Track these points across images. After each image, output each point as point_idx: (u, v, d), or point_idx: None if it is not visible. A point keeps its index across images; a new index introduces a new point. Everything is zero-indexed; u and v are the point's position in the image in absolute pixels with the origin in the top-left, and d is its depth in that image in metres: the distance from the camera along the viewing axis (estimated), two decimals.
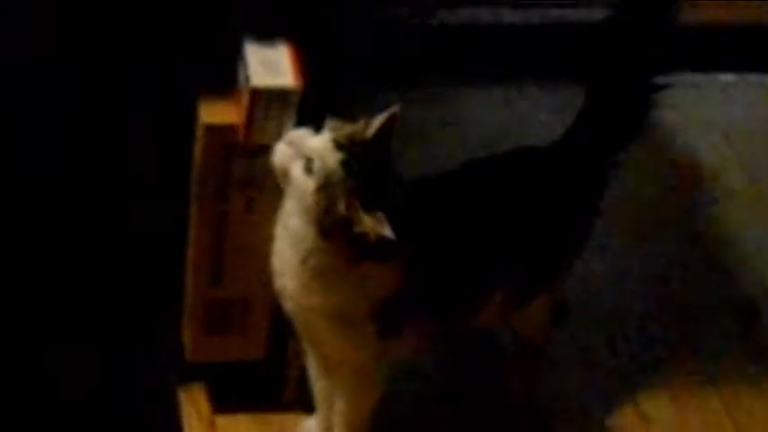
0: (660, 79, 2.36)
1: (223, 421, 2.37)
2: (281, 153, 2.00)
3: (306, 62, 2.07)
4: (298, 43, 2.09)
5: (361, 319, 2.09)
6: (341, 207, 1.94)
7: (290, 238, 2.04)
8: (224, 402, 2.39)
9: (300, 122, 2.07)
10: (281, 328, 2.29)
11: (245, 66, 2.06)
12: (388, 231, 1.93)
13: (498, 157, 2.34)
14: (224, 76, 2.10)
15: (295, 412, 2.38)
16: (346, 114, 2.28)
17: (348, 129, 2.01)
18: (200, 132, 2.11)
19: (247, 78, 2.04)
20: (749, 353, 2.62)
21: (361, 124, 2.02)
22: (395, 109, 2.04)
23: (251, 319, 2.28)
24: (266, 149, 2.09)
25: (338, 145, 1.98)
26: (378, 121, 2.02)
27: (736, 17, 3.15)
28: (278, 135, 2.08)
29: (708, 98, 3.11)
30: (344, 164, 1.96)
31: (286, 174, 2.00)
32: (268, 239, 2.15)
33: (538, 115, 3.01)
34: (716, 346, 2.62)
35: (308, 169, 1.97)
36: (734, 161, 2.98)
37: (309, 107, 2.08)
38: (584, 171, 2.36)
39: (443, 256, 2.13)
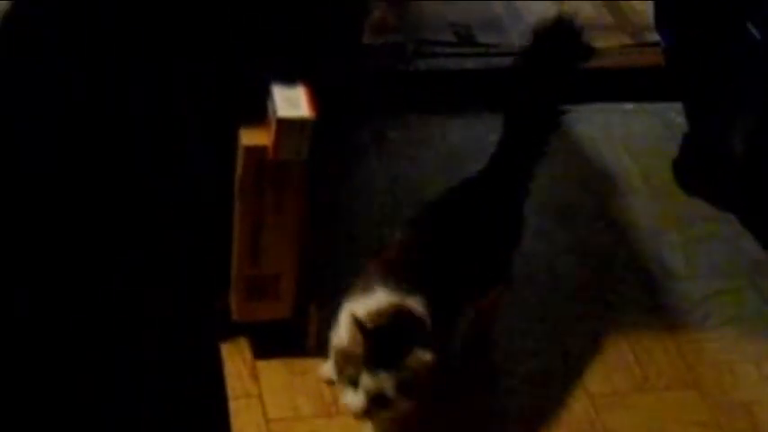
0: (561, 108, 2.33)
1: (261, 365, 2.34)
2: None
3: (317, 99, 2.06)
4: (312, 85, 2.08)
5: None
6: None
7: None
8: (262, 351, 2.36)
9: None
10: (305, 294, 2.29)
11: (273, 102, 2.05)
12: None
13: (451, 195, 2.28)
14: (257, 111, 2.08)
15: (316, 357, 2.35)
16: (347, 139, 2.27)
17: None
18: (240, 152, 2.10)
19: (275, 111, 2.04)
20: (647, 307, 2.59)
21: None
22: None
23: (281, 288, 2.26)
24: (290, 163, 2.09)
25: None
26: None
27: (634, 62, 3.15)
28: (298, 152, 2.08)
29: (614, 121, 3.09)
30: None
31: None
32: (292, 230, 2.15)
33: (490, 136, 2.99)
34: (623, 301, 2.60)
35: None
36: (633, 167, 2.96)
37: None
38: (511, 188, 2.31)
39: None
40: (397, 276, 2.04)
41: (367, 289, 2.04)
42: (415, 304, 2.00)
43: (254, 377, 2.32)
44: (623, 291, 2.62)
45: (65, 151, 2.18)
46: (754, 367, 2.49)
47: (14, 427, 2.08)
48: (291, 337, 2.35)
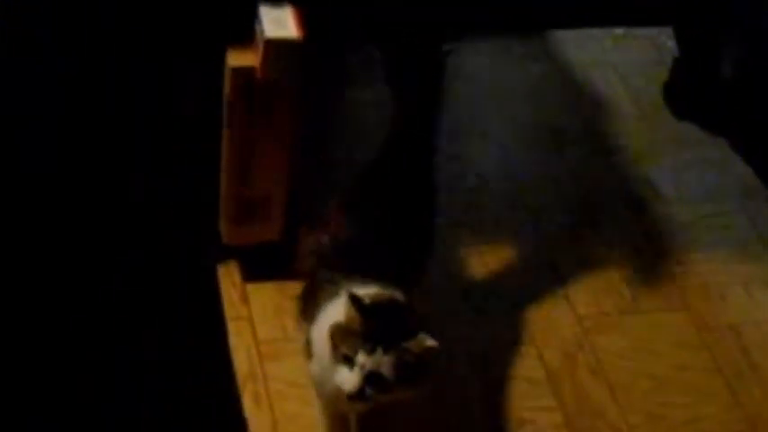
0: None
1: (251, 288, 2.35)
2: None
3: (305, 20, 2.05)
4: (299, 5, 2.07)
5: None
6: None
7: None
8: (252, 273, 2.37)
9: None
10: (294, 216, 2.29)
11: (261, 23, 2.05)
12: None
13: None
14: (245, 32, 2.08)
15: (303, 280, 2.36)
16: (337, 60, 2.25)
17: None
18: (228, 73, 2.09)
19: (262, 32, 2.04)
20: (638, 234, 2.60)
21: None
22: None
23: (270, 211, 2.27)
24: (277, 83, 2.09)
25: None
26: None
27: None
28: (285, 73, 2.08)
29: (605, 46, 3.09)
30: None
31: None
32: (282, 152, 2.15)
33: (481, 60, 2.99)
34: (613, 227, 2.61)
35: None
36: (624, 91, 2.96)
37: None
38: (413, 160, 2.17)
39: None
40: (361, 271, 1.93)
41: (335, 293, 1.91)
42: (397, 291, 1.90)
43: (244, 300, 2.34)
44: (613, 214, 2.64)
45: (65, 151, 2.18)
46: (743, 289, 2.51)
47: (15, 427, 2.07)
48: (281, 260, 2.35)
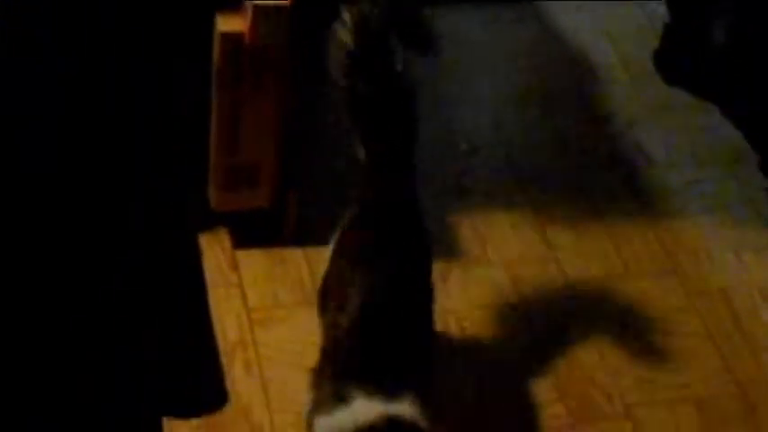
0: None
1: (241, 254, 2.35)
2: None
3: None
4: None
5: None
6: None
7: None
8: (241, 240, 2.36)
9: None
10: (282, 183, 2.29)
11: None
12: None
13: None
14: None
15: (293, 246, 2.37)
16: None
17: None
18: (217, 38, 2.09)
19: None
20: (627, 195, 2.61)
21: None
22: None
23: (259, 178, 2.27)
24: (266, 49, 2.08)
25: None
26: None
27: None
28: (274, 39, 2.07)
29: (596, 12, 3.07)
30: None
31: None
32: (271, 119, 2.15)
33: (469, 29, 2.98)
34: (603, 190, 2.60)
35: None
36: (615, 57, 2.94)
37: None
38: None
39: None
40: (372, 376, 1.79)
41: (342, 396, 1.79)
42: (406, 408, 1.77)
43: (234, 267, 2.34)
44: (603, 179, 2.64)
45: (65, 151, 2.16)
46: (733, 254, 2.51)
47: (14, 427, 2.07)
48: (271, 227, 2.35)
